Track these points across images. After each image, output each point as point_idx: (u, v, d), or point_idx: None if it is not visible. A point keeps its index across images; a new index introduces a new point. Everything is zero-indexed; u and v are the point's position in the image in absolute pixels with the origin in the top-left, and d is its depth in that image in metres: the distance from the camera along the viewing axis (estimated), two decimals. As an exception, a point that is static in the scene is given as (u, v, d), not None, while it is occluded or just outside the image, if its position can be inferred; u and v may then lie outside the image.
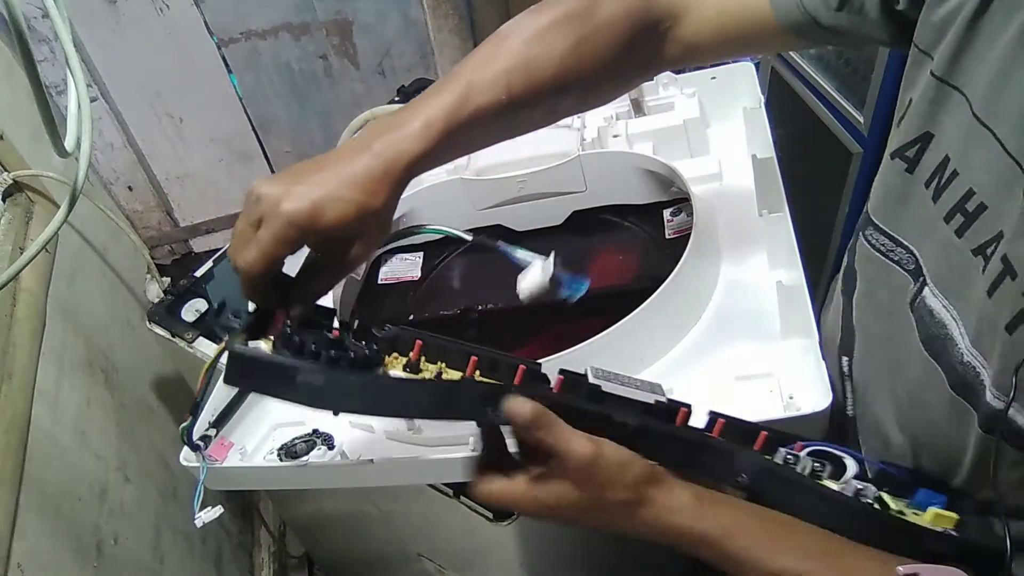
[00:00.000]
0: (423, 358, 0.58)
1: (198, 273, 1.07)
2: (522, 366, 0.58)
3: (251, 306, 0.59)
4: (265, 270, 0.53)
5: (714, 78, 1.09)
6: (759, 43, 0.67)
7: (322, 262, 0.57)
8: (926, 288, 0.54)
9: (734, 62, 1.12)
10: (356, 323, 0.59)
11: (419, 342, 0.56)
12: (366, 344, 0.56)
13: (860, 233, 0.62)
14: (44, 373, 0.95)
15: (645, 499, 0.52)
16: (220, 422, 0.79)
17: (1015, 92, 0.45)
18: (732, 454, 0.56)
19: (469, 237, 0.72)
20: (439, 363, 0.58)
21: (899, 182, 0.57)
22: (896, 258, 0.58)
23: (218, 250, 1.12)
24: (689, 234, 0.82)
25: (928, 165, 0.53)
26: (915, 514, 0.55)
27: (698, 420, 0.59)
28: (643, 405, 0.57)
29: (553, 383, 0.58)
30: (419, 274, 1.05)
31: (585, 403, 0.56)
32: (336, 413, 0.57)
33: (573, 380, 0.57)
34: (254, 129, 1.97)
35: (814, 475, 0.56)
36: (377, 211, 0.54)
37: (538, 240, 1.04)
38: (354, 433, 0.80)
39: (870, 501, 0.55)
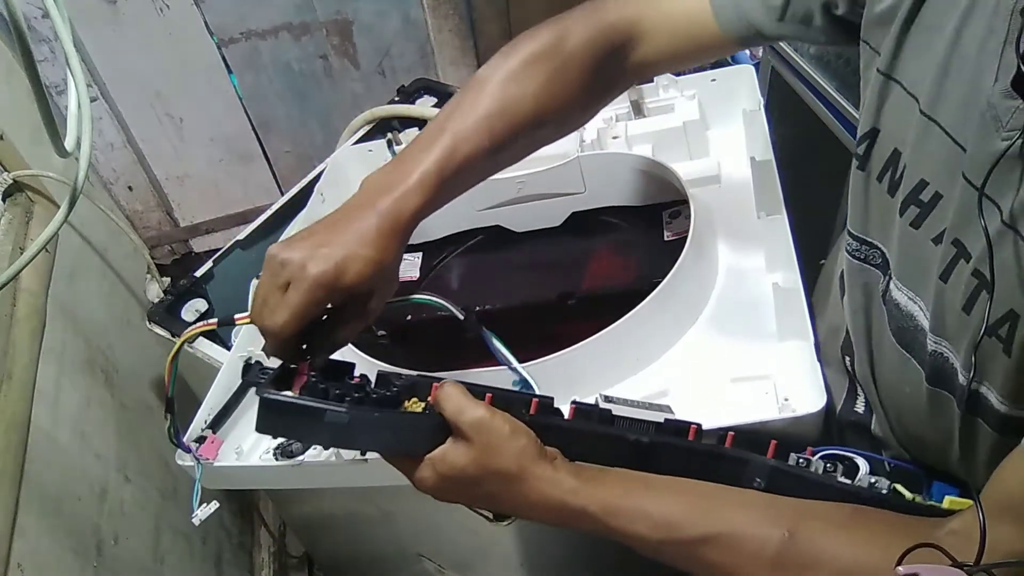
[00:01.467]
0: None
1: (198, 273, 1.07)
2: (535, 399, 0.60)
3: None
4: (297, 329, 0.57)
5: (714, 80, 1.09)
6: (712, 53, 0.71)
7: (343, 316, 0.60)
8: (892, 282, 0.56)
9: (733, 63, 1.12)
10: (376, 372, 0.62)
11: (435, 386, 0.59)
12: (388, 391, 0.59)
13: (844, 248, 0.64)
14: (44, 373, 0.95)
15: (526, 472, 0.54)
16: (216, 423, 0.80)
17: (955, 84, 0.47)
18: (745, 461, 0.58)
19: (461, 315, 0.76)
20: None
21: (856, 180, 0.59)
22: (865, 257, 0.60)
23: (218, 250, 1.11)
24: (687, 236, 0.82)
25: (877, 160, 0.56)
26: (932, 504, 0.56)
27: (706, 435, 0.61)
28: (654, 424, 0.59)
29: (566, 414, 0.60)
30: (417, 274, 1.05)
31: (600, 427, 0.59)
32: (363, 453, 0.60)
33: (584, 410, 0.60)
34: (254, 129, 1.97)
35: (826, 474, 0.58)
36: (390, 265, 0.59)
37: (537, 240, 1.05)
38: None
39: (886, 491, 0.56)
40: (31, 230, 1.05)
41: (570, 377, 0.75)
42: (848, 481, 0.57)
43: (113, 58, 1.77)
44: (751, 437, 0.60)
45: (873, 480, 0.56)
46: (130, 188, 1.98)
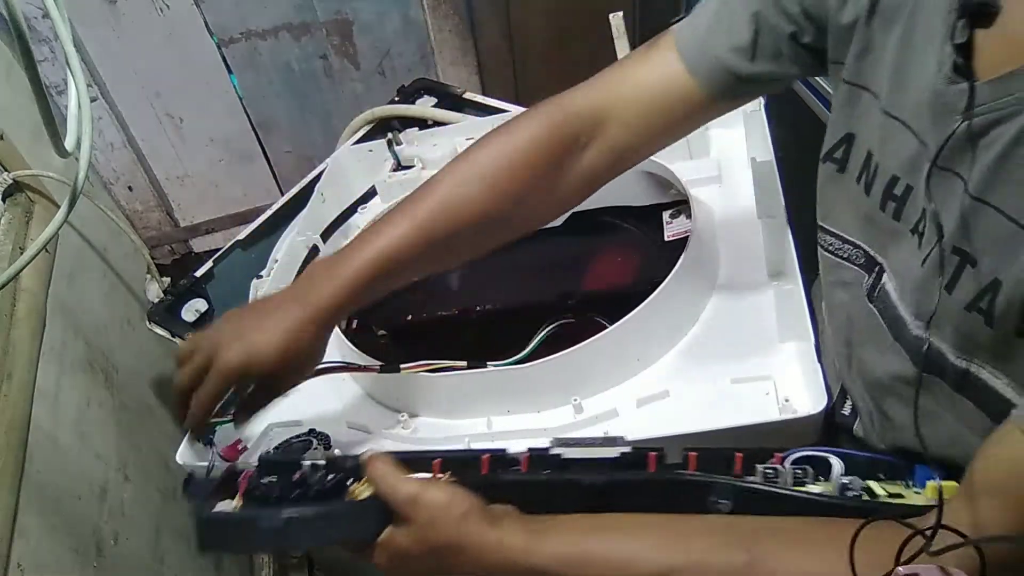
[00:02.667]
0: None
1: (198, 273, 1.07)
2: (486, 456, 0.60)
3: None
4: (211, 410, 0.65)
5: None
6: (690, 115, 0.68)
7: (259, 389, 0.67)
8: (884, 275, 0.57)
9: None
10: (325, 458, 0.63)
11: (366, 464, 0.59)
12: (332, 477, 0.60)
13: (822, 247, 0.65)
14: (44, 373, 0.95)
15: (470, 541, 0.53)
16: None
17: (911, 83, 0.50)
18: (707, 485, 0.56)
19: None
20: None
21: (834, 182, 0.61)
22: (846, 255, 0.61)
23: (218, 250, 1.11)
24: (687, 236, 0.82)
25: (856, 162, 0.58)
26: (916, 492, 0.55)
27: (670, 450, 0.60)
28: (610, 460, 0.58)
29: (521, 462, 0.60)
30: (418, 275, 1.05)
31: (552, 475, 0.58)
32: (303, 551, 0.60)
33: (539, 457, 0.60)
34: (254, 129, 1.97)
35: (797, 482, 0.56)
36: (302, 352, 0.65)
37: (537, 240, 1.04)
38: (350, 433, 0.80)
39: (857, 493, 0.54)
40: (31, 230, 1.05)
41: (570, 378, 0.76)
42: (817, 490, 0.55)
43: (113, 58, 1.77)
44: (718, 452, 0.58)
45: (847, 481, 0.55)
46: (130, 188, 1.97)
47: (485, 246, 0.72)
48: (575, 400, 0.75)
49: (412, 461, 0.60)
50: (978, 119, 0.45)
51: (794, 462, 0.57)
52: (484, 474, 0.59)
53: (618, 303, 0.77)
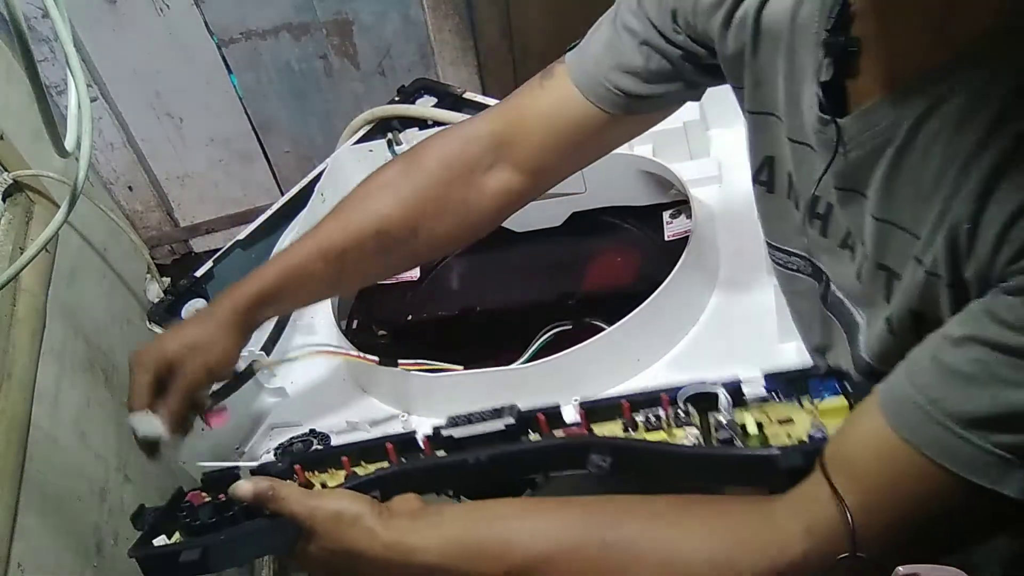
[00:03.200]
0: (311, 475, 0.63)
1: (198, 273, 1.07)
2: (389, 443, 0.62)
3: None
4: (146, 400, 0.66)
5: (714, 79, 1.09)
6: (599, 140, 0.69)
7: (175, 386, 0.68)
8: (832, 284, 0.57)
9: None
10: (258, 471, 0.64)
11: (298, 467, 0.62)
12: None
13: (771, 260, 0.66)
14: (44, 373, 0.95)
15: (362, 545, 0.55)
16: (218, 395, 0.79)
17: (803, 113, 0.51)
18: (585, 445, 0.57)
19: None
20: (328, 471, 0.64)
21: (766, 202, 0.62)
22: (795, 267, 0.62)
23: (218, 250, 1.11)
24: (688, 236, 0.82)
25: (781, 182, 0.59)
26: (805, 407, 0.55)
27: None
28: (497, 434, 0.59)
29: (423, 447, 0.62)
30: (418, 274, 1.05)
31: (445, 458, 0.60)
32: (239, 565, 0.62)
33: (436, 436, 0.61)
34: (254, 129, 1.97)
35: (678, 424, 0.57)
36: (198, 342, 0.68)
37: (537, 240, 1.05)
38: (351, 433, 0.80)
39: (728, 435, 0.54)
40: (31, 230, 1.05)
41: (571, 378, 0.76)
42: (696, 439, 0.55)
43: (113, 58, 1.77)
44: (606, 402, 0.59)
45: (722, 419, 0.55)
46: (130, 188, 1.97)
47: (391, 264, 0.75)
48: (575, 400, 0.75)
49: (322, 461, 0.63)
50: (852, 154, 0.46)
51: (687, 399, 0.57)
52: (371, 474, 0.60)
53: (618, 303, 0.77)
